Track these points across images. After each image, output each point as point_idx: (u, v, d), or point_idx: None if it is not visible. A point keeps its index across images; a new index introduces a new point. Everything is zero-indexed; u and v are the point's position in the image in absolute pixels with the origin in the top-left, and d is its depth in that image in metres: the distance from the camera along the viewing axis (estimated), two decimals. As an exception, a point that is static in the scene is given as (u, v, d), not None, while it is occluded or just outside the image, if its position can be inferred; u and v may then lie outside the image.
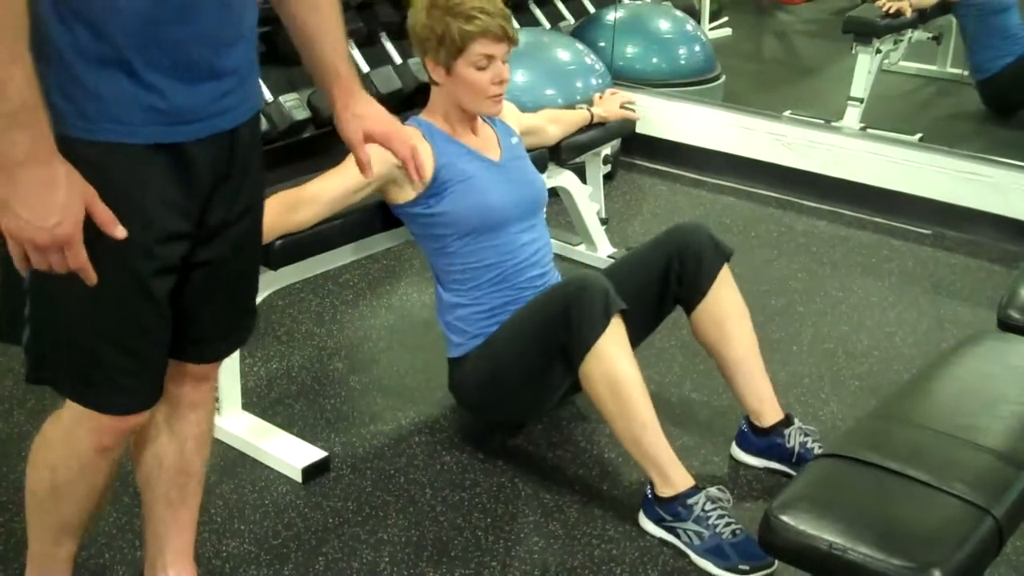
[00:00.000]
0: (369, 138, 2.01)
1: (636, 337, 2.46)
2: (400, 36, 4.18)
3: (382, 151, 2.13)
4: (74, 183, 1.50)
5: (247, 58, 1.72)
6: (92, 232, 1.54)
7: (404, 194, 2.55)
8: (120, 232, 1.55)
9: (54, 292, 1.65)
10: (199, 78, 1.63)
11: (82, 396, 1.76)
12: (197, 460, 2.02)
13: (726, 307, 2.60)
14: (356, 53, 3.86)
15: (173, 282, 1.73)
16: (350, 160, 2.34)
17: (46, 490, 1.87)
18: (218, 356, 1.98)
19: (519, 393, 2.54)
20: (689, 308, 2.63)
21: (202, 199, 1.72)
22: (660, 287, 2.62)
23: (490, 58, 2.50)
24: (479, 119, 2.66)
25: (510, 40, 2.52)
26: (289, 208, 2.42)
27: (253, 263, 1.94)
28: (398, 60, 4.12)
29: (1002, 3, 4.98)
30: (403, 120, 2.62)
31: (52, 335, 1.71)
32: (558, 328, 2.37)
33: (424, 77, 3.79)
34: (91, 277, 1.55)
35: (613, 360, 2.32)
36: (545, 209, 2.75)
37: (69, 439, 1.81)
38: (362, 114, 1.99)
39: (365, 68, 3.79)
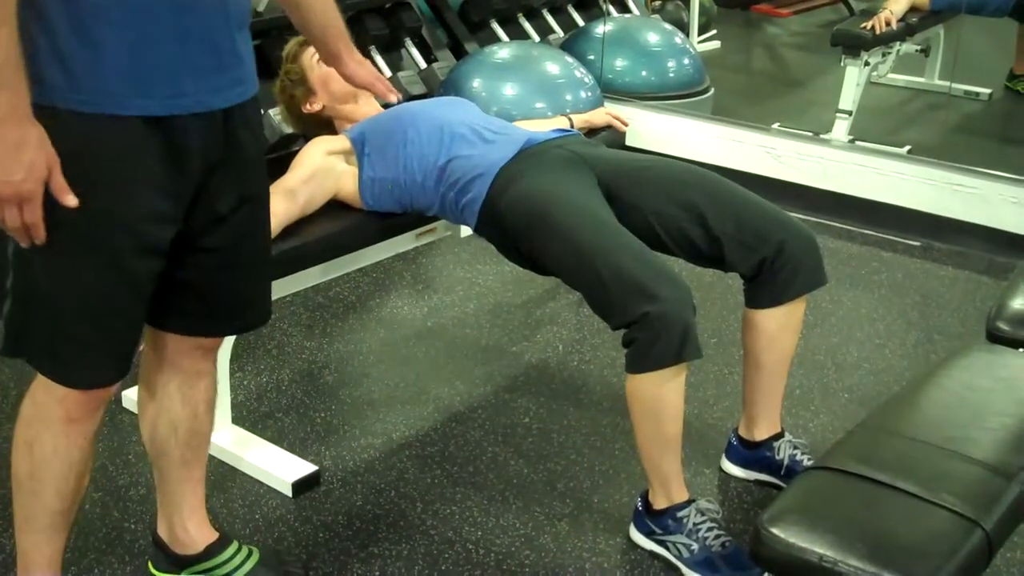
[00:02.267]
0: (365, 79, 2.33)
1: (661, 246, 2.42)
2: (423, 41, 4.21)
3: (317, 149, 2.62)
4: (43, 145, 1.59)
5: (241, 38, 1.79)
6: (79, 204, 1.64)
7: (352, 175, 2.66)
8: (71, 200, 1.63)
9: (32, 263, 1.71)
10: (193, 52, 1.69)
11: (51, 370, 1.82)
12: (207, 420, 2.14)
13: (792, 323, 2.50)
14: (378, 58, 3.89)
15: (158, 266, 1.79)
16: (292, 165, 2.62)
17: (26, 472, 1.91)
18: (228, 332, 2.14)
19: (553, 263, 2.40)
20: (754, 304, 2.49)
21: (195, 183, 1.78)
22: (738, 253, 2.42)
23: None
24: None
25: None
26: None
27: (263, 248, 2.03)
28: (422, 64, 4.15)
29: None
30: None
31: (31, 306, 1.76)
32: (621, 313, 2.21)
33: (443, 75, 3.85)
34: (40, 235, 1.64)
35: (666, 389, 2.23)
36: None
37: (41, 412, 1.87)
38: (361, 60, 2.32)
39: (388, 72, 3.82)
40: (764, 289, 2.46)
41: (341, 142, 2.69)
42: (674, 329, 2.16)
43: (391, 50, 4.16)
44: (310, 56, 2.78)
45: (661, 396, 2.24)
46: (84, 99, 1.62)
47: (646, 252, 2.28)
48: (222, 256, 1.89)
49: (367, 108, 2.82)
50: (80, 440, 1.89)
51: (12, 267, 1.74)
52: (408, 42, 4.20)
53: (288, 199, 2.52)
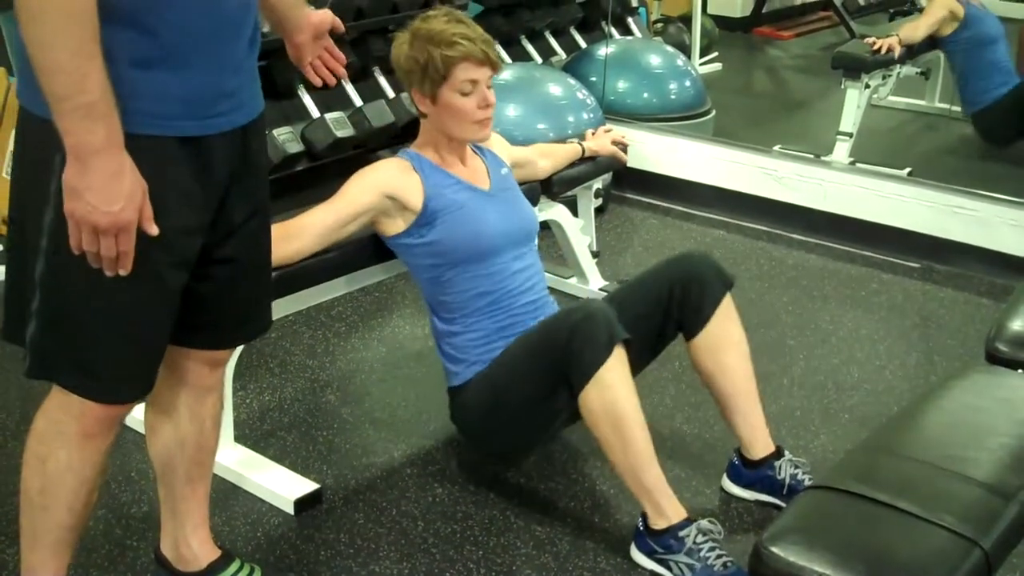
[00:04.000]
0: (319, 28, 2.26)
1: (637, 365, 2.47)
2: (392, 71, 4.19)
3: (373, 183, 2.45)
4: (135, 174, 1.63)
5: (254, 54, 1.85)
6: None
7: (395, 225, 2.56)
8: (153, 230, 1.67)
9: (68, 283, 1.74)
10: (223, 71, 1.76)
11: (84, 387, 1.83)
12: (214, 437, 2.17)
13: (726, 337, 2.59)
14: (382, 79, 3.90)
15: (186, 279, 1.82)
16: (341, 193, 2.50)
17: (38, 488, 1.91)
18: (235, 343, 2.16)
19: (520, 421, 2.53)
20: (689, 335, 2.62)
21: (219, 196, 1.83)
22: (662, 314, 2.62)
23: (474, 83, 2.51)
24: (468, 150, 2.68)
25: (492, 64, 2.53)
26: (280, 239, 2.43)
27: (267, 258, 2.06)
28: (391, 94, 4.15)
29: (989, 36, 5.02)
30: (394, 153, 2.66)
31: (60, 327, 1.78)
32: (561, 355, 2.36)
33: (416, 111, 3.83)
34: (129, 265, 1.66)
35: (614, 390, 2.32)
36: (537, 240, 2.77)
37: (56, 428, 1.88)
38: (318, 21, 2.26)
39: (358, 102, 3.81)
40: (687, 319, 2.61)
41: (412, 193, 2.53)
42: (599, 324, 2.32)
43: (395, 72, 4.17)
44: (462, 78, 2.49)
45: (611, 401, 2.32)
46: (127, 120, 1.64)
47: None
48: (233, 266, 1.93)
49: (457, 158, 2.64)
50: (95, 456, 1.90)
51: (40, 289, 1.75)
52: (376, 71, 4.18)
53: (329, 234, 2.49)
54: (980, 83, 5.02)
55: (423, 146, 2.64)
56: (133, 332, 1.80)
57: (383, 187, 2.53)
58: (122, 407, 1.88)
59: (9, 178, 1.83)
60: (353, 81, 3.93)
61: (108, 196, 1.60)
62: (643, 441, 2.33)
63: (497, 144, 2.85)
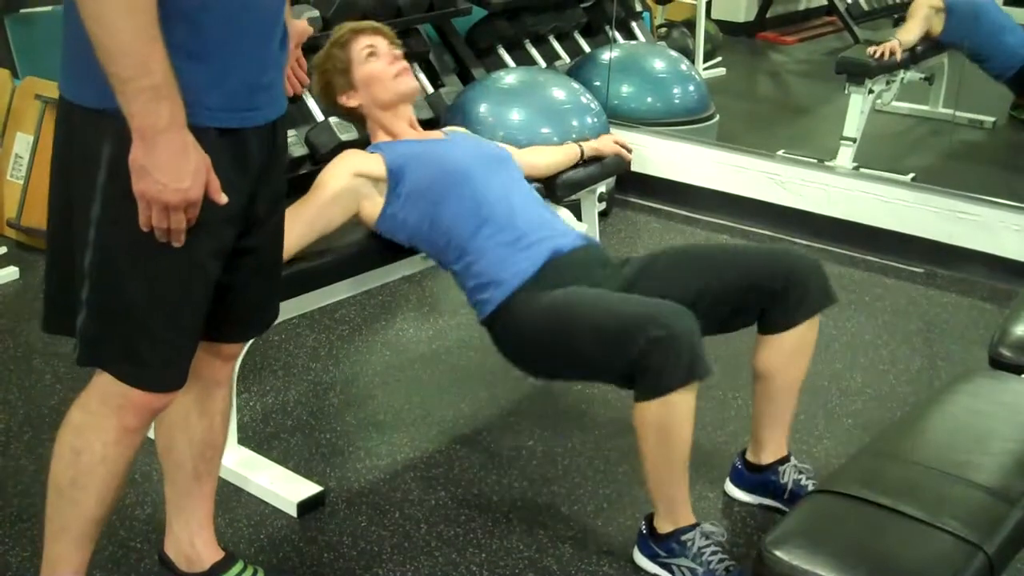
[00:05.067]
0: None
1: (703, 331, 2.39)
2: (431, 66, 4.23)
3: (341, 168, 2.56)
4: (199, 150, 1.68)
5: (285, 51, 1.91)
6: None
7: (376, 203, 2.60)
8: (223, 199, 1.73)
9: (116, 271, 1.78)
10: (261, 66, 1.81)
11: (131, 374, 1.86)
12: (222, 433, 2.18)
13: (802, 349, 2.53)
14: None
15: (221, 268, 1.86)
16: (314, 186, 2.57)
17: (68, 480, 1.92)
18: (249, 336, 2.18)
19: (564, 367, 2.47)
20: (768, 330, 2.52)
21: (252, 187, 1.88)
22: (752, 297, 2.49)
23: (372, 47, 2.68)
24: (414, 118, 2.79)
25: (381, 32, 2.73)
26: None
27: (281, 252, 2.10)
28: (430, 89, 4.19)
29: (977, 7, 5.04)
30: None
31: (109, 315, 1.81)
32: (634, 358, 2.24)
33: (450, 100, 3.87)
34: (181, 238, 1.73)
35: (677, 414, 2.24)
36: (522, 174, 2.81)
37: (94, 421, 1.90)
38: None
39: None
40: (776, 314, 2.49)
41: (375, 165, 2.61)
42: (682, 350, 2.18)
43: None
44: (360, 48, 2.69)
45: (671, 421, 2.25)
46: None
47: (647, 298, 2.35)
48: (255, 257, 1.96)
49: (403, 123, 2.74)
50: (129, 452, 1.93)
51: (89, 278, 1.79)
52: (416, 67, 4.25)
53: (310, 223, 2.50)
54: (998, 53, 5.03)
55: (374, 136, 2.77)
56: (177, 319, 1.84)
57: (350, 168, 2.60)
58: (161, 398, 1.89)
59: (50, 172, 1.85)
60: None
61: (176, 174, 1.65)
62: (685, 461, 2.30)
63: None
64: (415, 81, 2.77)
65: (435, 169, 2.62)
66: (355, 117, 2.79)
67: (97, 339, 1.84)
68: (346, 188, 2.56)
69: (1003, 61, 5.06)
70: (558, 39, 5.12)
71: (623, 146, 3.43)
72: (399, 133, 2.72)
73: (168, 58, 1.63)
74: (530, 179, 3.08)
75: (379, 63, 2.68)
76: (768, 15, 7.60)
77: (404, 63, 2.73)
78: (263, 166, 1.89)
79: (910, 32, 5.01)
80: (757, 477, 2.61)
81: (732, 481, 2.67)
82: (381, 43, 2.70)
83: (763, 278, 2.48)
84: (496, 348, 2.56)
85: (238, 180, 1.82)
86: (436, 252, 2.63)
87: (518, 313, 2.46)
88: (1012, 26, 5.07)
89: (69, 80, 1.76)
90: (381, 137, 2.73)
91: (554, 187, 3.23)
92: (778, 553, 1.59)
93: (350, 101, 2.71)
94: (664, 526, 2.35)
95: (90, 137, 1.73)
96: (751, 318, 2.54)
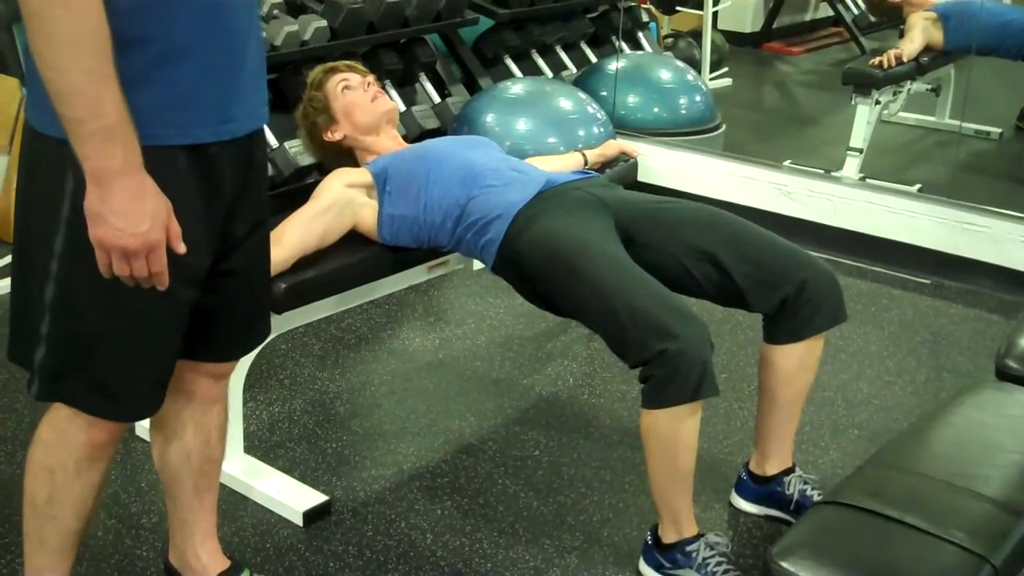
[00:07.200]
0: None
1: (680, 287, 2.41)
2: (402, 83, 4.24)
3: (335, 181, 2.62)
4: (158, 192, 1.61)
5: (261, 60, 1.84)
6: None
7: (371, 209, 2.66)
8: (181, 248, 1.65)
9: (80, 306, 1.74)
10: (235, 76, 1.75)
11: (99, 406, 1.83)
12: (220, 447, 2.17)
13: (810, 360, 2.51)
14: (393, 92, 3.96)
15: (196, 295, 1.82)
16: (311, 198, 2.60)
17: (44, 498, 1.91)
18: (238, 356, 2.14)
19: (576, 314, 2.43)
20: (773, 340, 2.50)
21: (226, 210, 1.82)
22: (754, 289, 2.43)
23: (346, 81, 2.82)
24: (397, 135, 2.89)
25: (355, 69, 2.88)
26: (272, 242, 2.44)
27: (268, 270, 2.08)
28: (436, 99, 4.20)
29: (972, 8, 5.05)
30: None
31: (72, 349, 1.78)
32: (640, 352, 2.21)
33: (456, 110, 3.89)
34: (165, 282, 1.65)
35: (682, 427, 2.24)
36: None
37: (64, 437, 1.88)
38: None
39: (402, 107, 3.88)
40: (784, 325, 2.47)
41: (362, 175, 2.69)
42: (692, 366, 2.17)
43: (406, 85, 4.19)
44: (335, 84, 2.81)
45: (677, 432, 2.25)
46: (139, 133, 1.61)
47: (663, 291, 2.29)
48: (237, 279, 1.92)
49: (389, 141, 2.83)
50: (103, 463, 1.92)
51: (50, 313, 1.75)
52: (422, 77, 4.24)
53: (305, 230, 2.52)
54: (1006, 37, 5.02)
55: (362, 163, 2.82)
56: (147, 350, 1.81)
57: (342, 180, 2.66)
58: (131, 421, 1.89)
59: (14, 202, 1.80)
60: (398, 87, 4.00)
61: (134, 218, 1.58)
62: (690, 471, 2.31)
63: None
64: (391, 101, 2.92)
65: (416, 161, 2.70)
66: (343, 152, 2.85)
67: (58, 375, 1.80)
68: (339, 199, 2.62)
69: (1014, 42, 5.05)
70: (565, 49, 5.11)
71: (627, 152, 3.45)
72: (384, 149, 2.80)
73: (123, 95, 1.55)
74: None
75: (355, 92, 2.81)
76: (775, 26, 7.60)
77: (377, 87, 2.88)
78: (239, 184, 1.83)
79: (912, 42, 5.00)
80: (762, 488, 2.61)
81: (737, 492, 2.67)
82: (353, 77, 2.84)
83: (777, 277, 2.43)
84: (514, 289, 2.57)
85: (209, 205, 1.78)
86: (440, 232, 2.62)
87: (522, 238, 2.45)
88: (1009, 10, 5.06)
89: (34, 106, 1.70)
90: (366, 158, 2.81)
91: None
92: (784, 564, 1.59)
93: (335, 135, 2.82)
94: (669, 536, 2.34)
95: (54, 167, 1.67)
96: (736, 302, 2.48)
